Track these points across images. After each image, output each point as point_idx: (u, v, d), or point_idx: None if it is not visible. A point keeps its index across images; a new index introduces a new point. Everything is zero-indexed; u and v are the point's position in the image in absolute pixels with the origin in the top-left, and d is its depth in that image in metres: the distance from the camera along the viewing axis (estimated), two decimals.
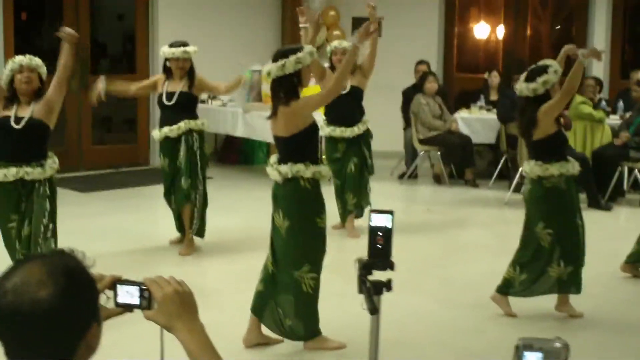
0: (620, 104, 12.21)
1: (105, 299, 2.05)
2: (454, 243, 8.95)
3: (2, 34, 11.56)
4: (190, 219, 8.10)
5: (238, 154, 13.38)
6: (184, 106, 8.11)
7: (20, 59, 6.41)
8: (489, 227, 9.88)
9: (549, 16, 15.09)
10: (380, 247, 3.44)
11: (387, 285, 3.48)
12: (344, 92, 8.60)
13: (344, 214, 9.02)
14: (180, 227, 8.29)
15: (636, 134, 10.85)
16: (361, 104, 9.01)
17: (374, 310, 3.40)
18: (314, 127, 5.60)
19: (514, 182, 10.98)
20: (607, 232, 9.15)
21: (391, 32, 14.02)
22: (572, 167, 6.33)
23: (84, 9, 12.46)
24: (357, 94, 8.91)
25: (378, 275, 3.50)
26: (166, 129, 8.10)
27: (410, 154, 12.31)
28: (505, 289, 6.52)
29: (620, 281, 7.52)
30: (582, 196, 10.51)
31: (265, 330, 5.81)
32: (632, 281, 7.52)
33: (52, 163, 6.42)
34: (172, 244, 8.37)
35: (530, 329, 6.13)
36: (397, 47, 13.74)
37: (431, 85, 11.73)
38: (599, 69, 13.35)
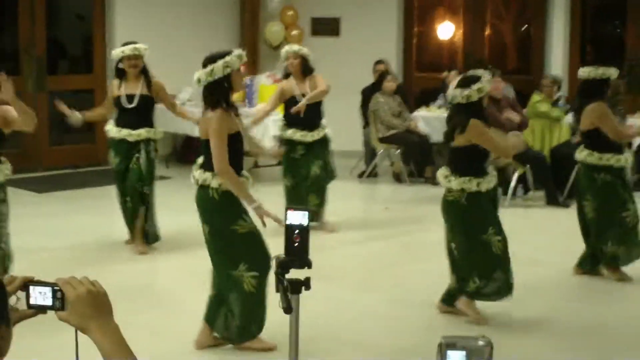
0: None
1: (14, 300, 2.02)
2: (412, 241, 8.95)
3: None
4: (143, 221, 8.11)
5: (197, 153, 13.29)
6: (144, 110, 8.15)
7: None
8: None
9: (512, 17, 15.14)
10: (297, 245, 3.44)
11: (305, 284, 3.48)
12: (298, 96, 8.84)
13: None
14: (133, 227, 8.26)
15: None
16: (320, 109, 9.08)
17: (288, 309, 3.40)
18: (234, 138, 5.56)
19: None
20: (564, 230, 9.19)
21: (351, 32, 14.04)
22: (485, 182, 6.27)
23: (40, 9, 12.34)
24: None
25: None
26: (125, 132, 8.09)
27: (370, 153, 12.33)
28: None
29: (575, 280, 7.55)
30: (540, 194, 10.65)
31: None
32: (587, 280, 7.54)
33: (5, 169, 6.41)
34: (128, 244, 8.34)
35: (482, 329, 6.14)
36: (356, 47, 13.76)
37: (389, 84, 11.76)
38: (557, 67, 13.45)
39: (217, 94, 5.49)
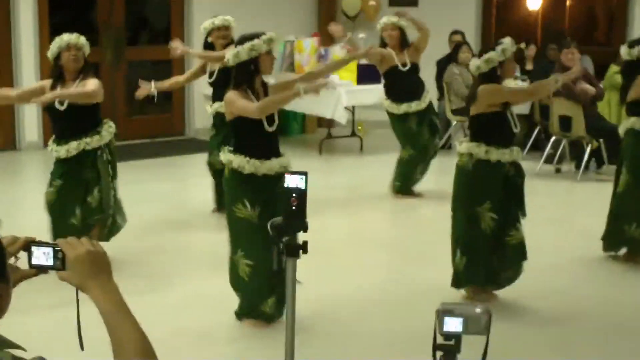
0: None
1: (14, 260, 2.09)
2: None
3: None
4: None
5: None
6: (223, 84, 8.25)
7: (67, 37, 6.65)
8: None
9: None
10: (294, 208, 3.47)
11: (303, 247, 3.52)
12: (405, 69, 9.10)
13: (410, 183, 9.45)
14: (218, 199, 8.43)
15: None
16: (420, 78, 9.42)
17: (280, 270, 3.45)
18: (252, 120, 5.46)
19: (545, 152, 10.92)
20: None
21: (429, 2, 13.94)
22: (497, 154, 5.97)
23: None
24: (416, 69, 9.32)
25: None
26: (217, 105, 8.26)
27: (445, 125, 12.26)
28: None
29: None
30: (614, 168, 10.49)
31: None
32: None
33: (109, 127, 6.87)
34: (214, 212, 8.52)
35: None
36: (434, 17, 13.61)
37: (465, 55, 11.65)
38: None
39: (241, 75, 5.50)
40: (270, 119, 5.48)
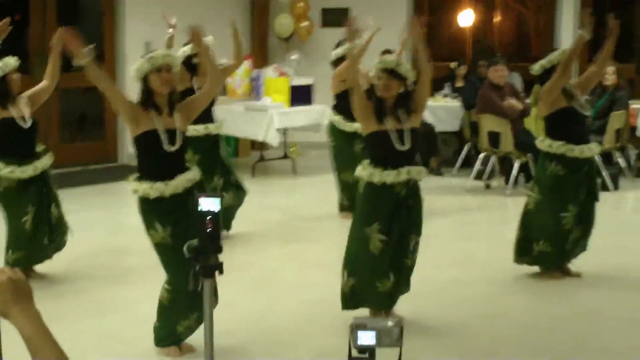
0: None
1: None
2: None
3: None
4: None
5: None
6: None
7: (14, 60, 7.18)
8: (446, 214, 9.95)
9: (532, 3, 15.14)
10: (209, 230, 3.54)
11: (219, 268, 3.58)
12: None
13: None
14: None
15: (596, 117, 10.95)
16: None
17: (195, 290, 3.51)
18: (148, 136, 5.41)
19: (475, 168, 11.11)
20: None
21: (360, 22, 14.06)
22: (385, 175, 5.93)
23: (51, 10, 12.53)
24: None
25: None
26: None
27: None
28: None
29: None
30: None
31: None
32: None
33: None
34: None
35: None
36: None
37: None
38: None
39: (142, 96, 5.45)
40: (171, 139, 5.39)
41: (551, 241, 7.12)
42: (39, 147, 7.15)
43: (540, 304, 6.79)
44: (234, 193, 8.56)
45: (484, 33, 14.92)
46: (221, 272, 3.58)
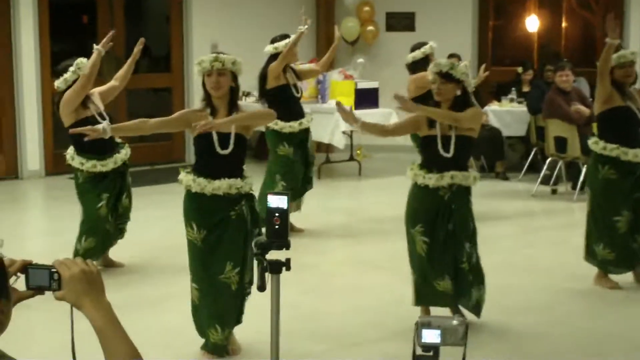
0: None
1: (14, 280, 2.17)
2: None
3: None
4: None
5: None
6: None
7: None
8: (511, 219, 9.90)
9: (600, 8, 14.99)
10: (277, 227, 3.59)
11: (286, 264, 3.62)
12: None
13: None
14: None
15: None
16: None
17: (262, 287, 3.56)
18: (200, 138, 5.58)
19: (542, 173, 11.03)
20: None
21: (426, 26, 14.07)
22: (428, 179, 6.00)
23: (119, 10, 12.76)
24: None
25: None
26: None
27: None
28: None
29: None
30: None
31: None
32: None
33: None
34: None
35: None
36: (430, 41, 13.75)
37: None
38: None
39: (204, 93, 5.63)
40: (224, 143, 5.48)
41: (610, 246, 7.04)
42: (117, 140, 7.37)
43: (601, 311, 6.74)
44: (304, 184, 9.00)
45: (550, 38, 14.79)
46: (288, 268, 3.63)
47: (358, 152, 12.86)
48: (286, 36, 8.79)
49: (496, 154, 11.96)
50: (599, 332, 6.25)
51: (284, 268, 3.62)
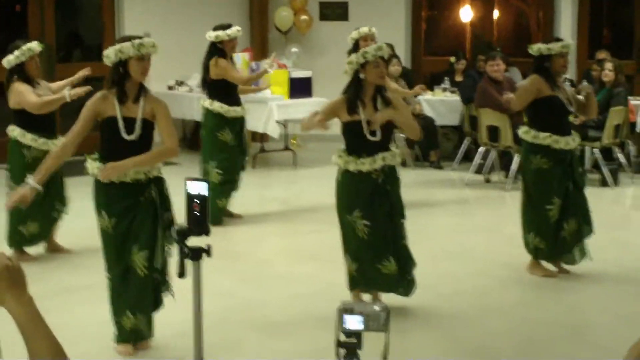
0: (585, 83, 12.26)
1: None
2: (415, 225, 8.97)
3: None
4: None
5: None
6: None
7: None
8: (444, 208, 9.97)
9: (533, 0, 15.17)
10: (197, 214, 3.57)
11: (207, 251, 3.61)
12: None
13: None
14: None
15: None
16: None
17: (181, 274, 3.54)
18: (107, 123, 5.40)
19: (474, 162, 11.12)
20: None
21: (359, 16, 14.08)
22: (360, 164, 6.04)
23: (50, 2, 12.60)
24: None
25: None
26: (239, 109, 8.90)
27: None
28: None
29: None
30: None
31: None
32: None
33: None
34: None
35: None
36: None
37: (394, 68, 11.77)
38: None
39: (112, 77, 5.42)
40: (129, 128, 5.36)
41: (542, 235, 7.11)
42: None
43: (533, 298, 6.81)
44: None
45: (483, 28, 14.92)
46: (209, 254, 3.60)
47: (293, 141, 12.85)
48: (229, 26, 8.74)
49: (430, 143, 12.02)
50: (530, 318, 6.32)
51: (204, 254, 3.59)
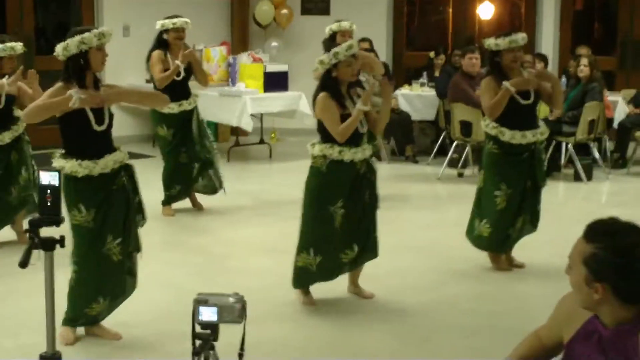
0: (563, 79, 12.24)
1: None
2: (389, 218, 8.91)
3: None
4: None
5: None
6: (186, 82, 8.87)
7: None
8: (415, 202, 9.93)
9: None
10: (49, 204, 3.57)
11: (60, 241, 3.59)
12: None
13: None
14: None
15: (570, 108, 10.90)
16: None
17: (23, 264, 3.52)
18: (73, 116, 5.31)
19: (448, 157, 11.09)
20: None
21: (340, 10, 14.02)
22: (354, 153, 6.09)
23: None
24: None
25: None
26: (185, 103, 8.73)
27: None
28: None
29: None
30: None
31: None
32: None
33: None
34: None
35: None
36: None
37: None
38: (548, 45, 13.41)
39: (70, 69, 5.35)
40: (99, 118, 5.36)
41: (490, 222, 7.13)
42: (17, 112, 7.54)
43: (483, 292, 6.78)
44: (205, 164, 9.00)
45: (464, 23, 14.86)
46: (62, 245, 3.58)
47: (272, 135, 12.84)
48: (176, 16, 8.67)
49: (406, 138, 12.01)
50: (483, 310, 6.32)
51: (57, 245, 3.59)
